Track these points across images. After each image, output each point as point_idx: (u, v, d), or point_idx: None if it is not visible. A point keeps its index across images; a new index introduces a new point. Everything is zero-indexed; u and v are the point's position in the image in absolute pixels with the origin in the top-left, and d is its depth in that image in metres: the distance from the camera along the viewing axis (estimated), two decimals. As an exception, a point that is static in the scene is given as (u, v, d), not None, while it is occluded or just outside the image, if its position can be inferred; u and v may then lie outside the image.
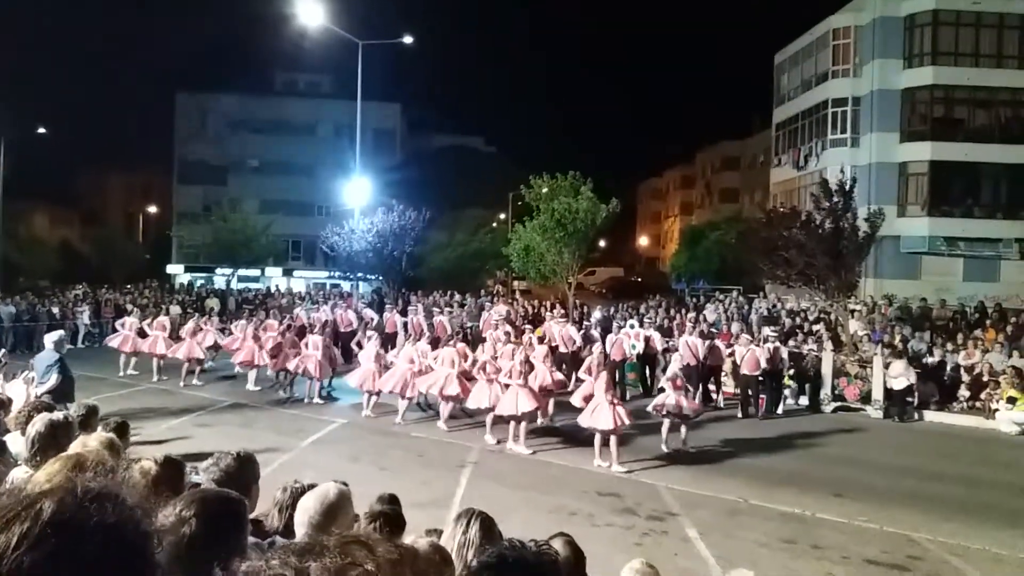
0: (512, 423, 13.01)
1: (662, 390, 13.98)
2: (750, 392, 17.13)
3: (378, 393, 15.18)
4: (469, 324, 22.50)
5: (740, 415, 16.72)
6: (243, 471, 3.39)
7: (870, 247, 21.46)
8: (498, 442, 13.23)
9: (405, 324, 21.38)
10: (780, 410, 17.46)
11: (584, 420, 12.23)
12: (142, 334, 19.59)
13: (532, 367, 13.85)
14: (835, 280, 20.41)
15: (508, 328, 18.58)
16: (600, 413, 11.91)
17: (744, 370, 17.07)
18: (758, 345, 17.61)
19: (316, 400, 16.44)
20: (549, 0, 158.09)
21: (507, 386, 13.38)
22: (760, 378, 17.15)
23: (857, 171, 28.65)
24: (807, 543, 8.91)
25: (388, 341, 18.02)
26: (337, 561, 1.09)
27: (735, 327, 22.66)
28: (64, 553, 1.03)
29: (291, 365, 16.77)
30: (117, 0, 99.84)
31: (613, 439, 11.89)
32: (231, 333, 20.57)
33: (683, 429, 13.16)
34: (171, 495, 2.62)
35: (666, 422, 13.19)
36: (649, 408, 13.58)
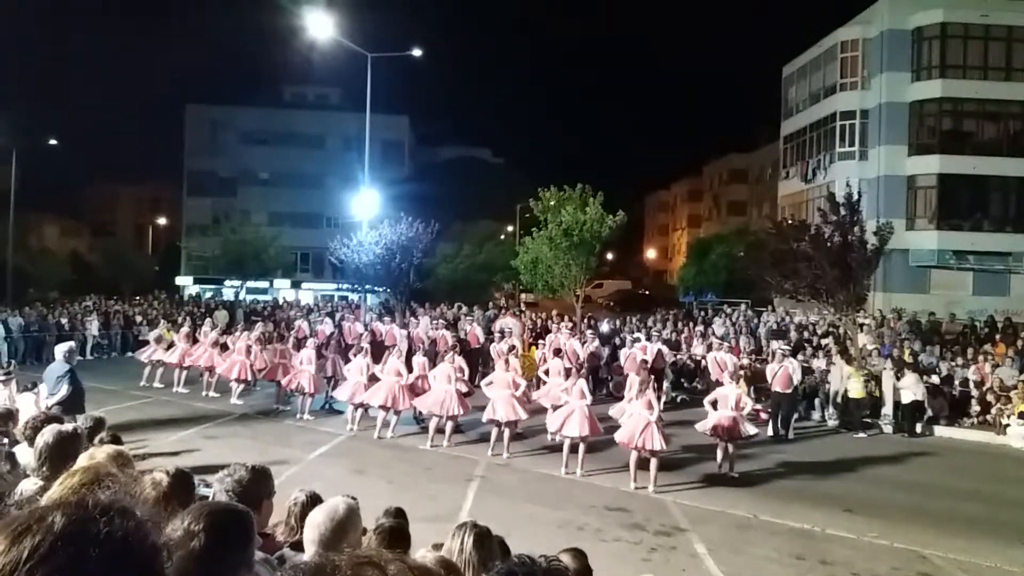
0: (581, 445, 12.34)
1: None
2: (781, 412, 16.34)
3: (366, 408, 14.93)
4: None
5: (771, 433, 16.05)
6: (257, 484, 3.39)
7: (879, 260, 21.37)
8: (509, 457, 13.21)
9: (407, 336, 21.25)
10: (792, 433, 16.77)
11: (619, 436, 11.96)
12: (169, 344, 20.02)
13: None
14: (844, 294, 20.30)
15: (514, 343, 18.57)
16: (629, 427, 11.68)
17: (776, 387, 16.26)
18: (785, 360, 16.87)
19: (307, 417, 16.04)
20: (557, 12, 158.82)
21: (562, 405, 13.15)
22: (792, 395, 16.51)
23: (865, 184, 28.69)
24: (816, 559, 8.85)
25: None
26: None
27: (743, 341, 22.60)
28: (74, 567, 1.03)
29: (283, 380, 16.76)
30: (128, 14, 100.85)
31: (634, 455, 11.59)
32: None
33: (729, 450, 12.67)
34: (180, 508, 2.61)
35: (721, 444, 12.74)
36: (700, 428, 13.03)
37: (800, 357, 19.58)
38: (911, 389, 17.10)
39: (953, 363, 19.55)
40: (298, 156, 52.05)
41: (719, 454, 12.74)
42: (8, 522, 1.09)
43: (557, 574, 2.58)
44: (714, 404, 12.87)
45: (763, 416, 16.55)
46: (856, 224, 20.38)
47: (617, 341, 21.82)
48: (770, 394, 16.69)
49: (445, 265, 39.33)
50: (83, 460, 3.80)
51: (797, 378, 16.57)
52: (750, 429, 12.77)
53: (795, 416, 17.18)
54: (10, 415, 7.49)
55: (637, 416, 11.65)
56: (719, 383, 14.80)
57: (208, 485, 3.67)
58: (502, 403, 13.31)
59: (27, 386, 11.46)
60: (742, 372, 17.35)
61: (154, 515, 1.27)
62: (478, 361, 19.25)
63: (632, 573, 4.83)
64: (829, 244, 20.16)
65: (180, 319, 25.13)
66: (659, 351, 18.94)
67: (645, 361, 15.30)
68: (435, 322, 23.62)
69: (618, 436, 11.90)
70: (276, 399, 17.23)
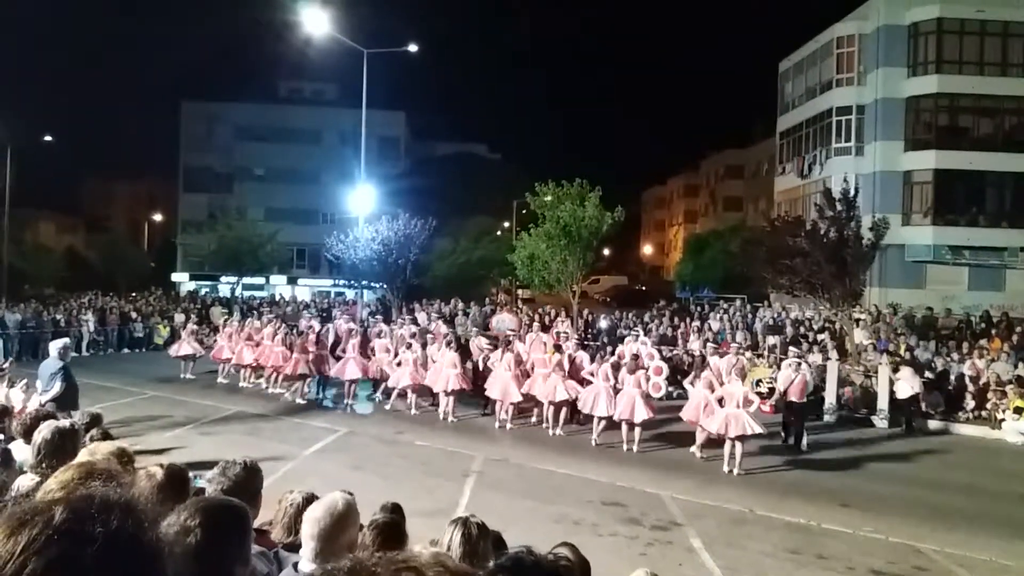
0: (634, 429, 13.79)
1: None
2: (794, 422, 14.88)
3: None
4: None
5: (787, 442, 14.80)
6: (251, 480, 3.39)
7: (874, 256, 21.41)
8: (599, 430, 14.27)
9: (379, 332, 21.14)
10: (805, 444, 14.96)
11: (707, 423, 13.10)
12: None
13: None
14: (840, 289, 20.36)
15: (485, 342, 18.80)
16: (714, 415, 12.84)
17: (792, 397, 14.79)
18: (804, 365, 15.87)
19: (378, 397, 17.45)
20: (553, 8, 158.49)
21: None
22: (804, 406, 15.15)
23: (861, 180, 28.68)
24: (812, 553, 8.87)
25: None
26: None
27: (739, 336, 22.61)
28: (69, 560, 1.03)
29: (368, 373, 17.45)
30: (123, 9, 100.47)
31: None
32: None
33: (737, 448, 12.62)
34: (175, 502, 2.61)
35: (727, 443, 12.72)
36: (711, 428, 13.02)
37: (794, 351, 19.39)
38: (908, 382, 17.12)
39: (948, 358, 19.60)
40: (294, 152, 51.95)
41: (726, 453, 12.73)
42: (9, 514, 1.09)
43: (563, 567, 2.60)
44: (720, 402, 12.89)
45: (763, 409, 16.41)
46: (852, 219, 20.42)
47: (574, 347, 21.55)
48: (786, 404, 15.24)
49: (442, 261, 39.27)
50: (84, 456, 3.80)
51: (811, 386, 15.75)
52: (756, 427, 12.67)
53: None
54: (6, 411, 7.49)
55: (699, 396, 13.27)
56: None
57: (201, 479, 3.67)
58: (551, 383, 14.84)
59: (12, 381, 11.46)
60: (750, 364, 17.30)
61: (154, 512, 1.27)
62: None
63: (629, 568, 4.81)
64: (825, 240, 20.20)
65: (191, 315, 25.17)
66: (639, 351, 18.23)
67: (637, 355, 15.34)
68: (401, 319, 23.10)
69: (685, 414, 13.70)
70: (298, 393, 17.65)
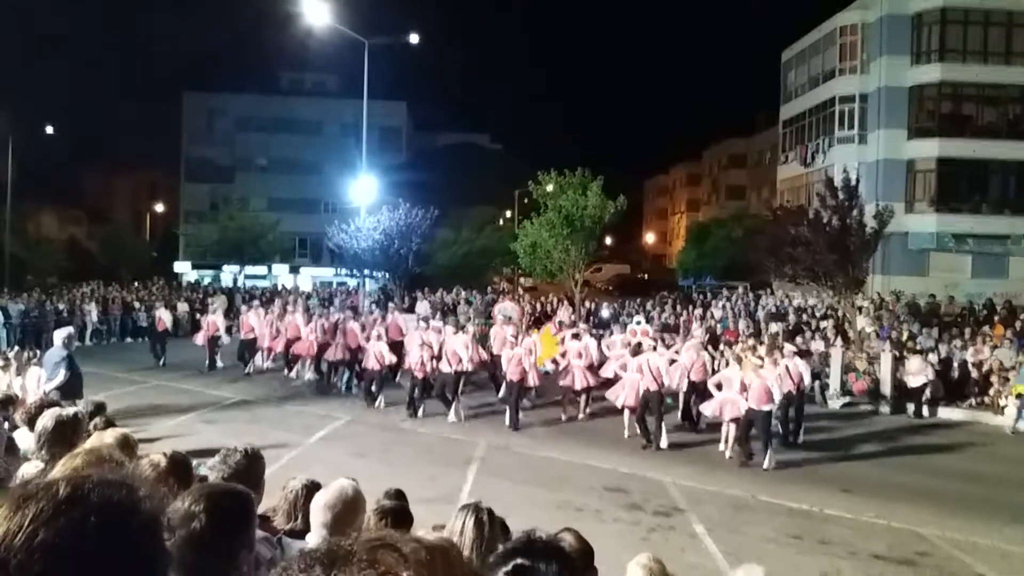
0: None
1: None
2: (759, 432, 12.32)
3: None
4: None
5: (739, 463, 12.22)
6: (252, 467, 3.40)
7: (877, 244, 21.37)
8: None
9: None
10: (801, 440, 13.86)
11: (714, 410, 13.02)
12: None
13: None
14: (842, 277, 20.34)
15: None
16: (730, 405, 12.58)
17: (751, 403, 12.20)
18: (775, 362, 13.04)
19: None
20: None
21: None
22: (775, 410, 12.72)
23: (864, 168, 28.63)
24: (814, 539, 8.90)
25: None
26: (369, 573, 1.04)
27: (742, 324, 22.58)
28: (75, 531, 1.07)
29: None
30: (125, 1, 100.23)
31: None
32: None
33: (732, 432, 12.70)
34: (179, 490, 2.63)
35: (724, 425, 12.79)
36: (704, 409, 13.36)
37: (799, 340, 19.30)
38: (920, 372, 17.19)
39: (952, 345, 19.60)
40: (296, 142, 51.94)
41: (723, 435, 12.80)
42: (14, 491, 1.15)
43: (572, 548, 2.62)
44: (719, 386, 12.91)
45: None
46: (854, 208, 20.37)
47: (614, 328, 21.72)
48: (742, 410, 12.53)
49: (444, 250, 39.29)
50: (91, 442, 3.82)
51: (778, 393, 12.55)
52: None
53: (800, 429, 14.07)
54: (10, 400, 7.52)
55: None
56: (649, 391, 13.44)
57: (204, 468, 3.68)
58: (577, 372, 15.05)
59: (20, 369, 11.51)
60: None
61: (156, 490, 1.32)
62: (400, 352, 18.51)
63: (631, 554, 4.82)
64: (827, 228, 20.16)
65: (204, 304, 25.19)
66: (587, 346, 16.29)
67: (639, 343, 15.36)
68: (345, 312, 22.75)
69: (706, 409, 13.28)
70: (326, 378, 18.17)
